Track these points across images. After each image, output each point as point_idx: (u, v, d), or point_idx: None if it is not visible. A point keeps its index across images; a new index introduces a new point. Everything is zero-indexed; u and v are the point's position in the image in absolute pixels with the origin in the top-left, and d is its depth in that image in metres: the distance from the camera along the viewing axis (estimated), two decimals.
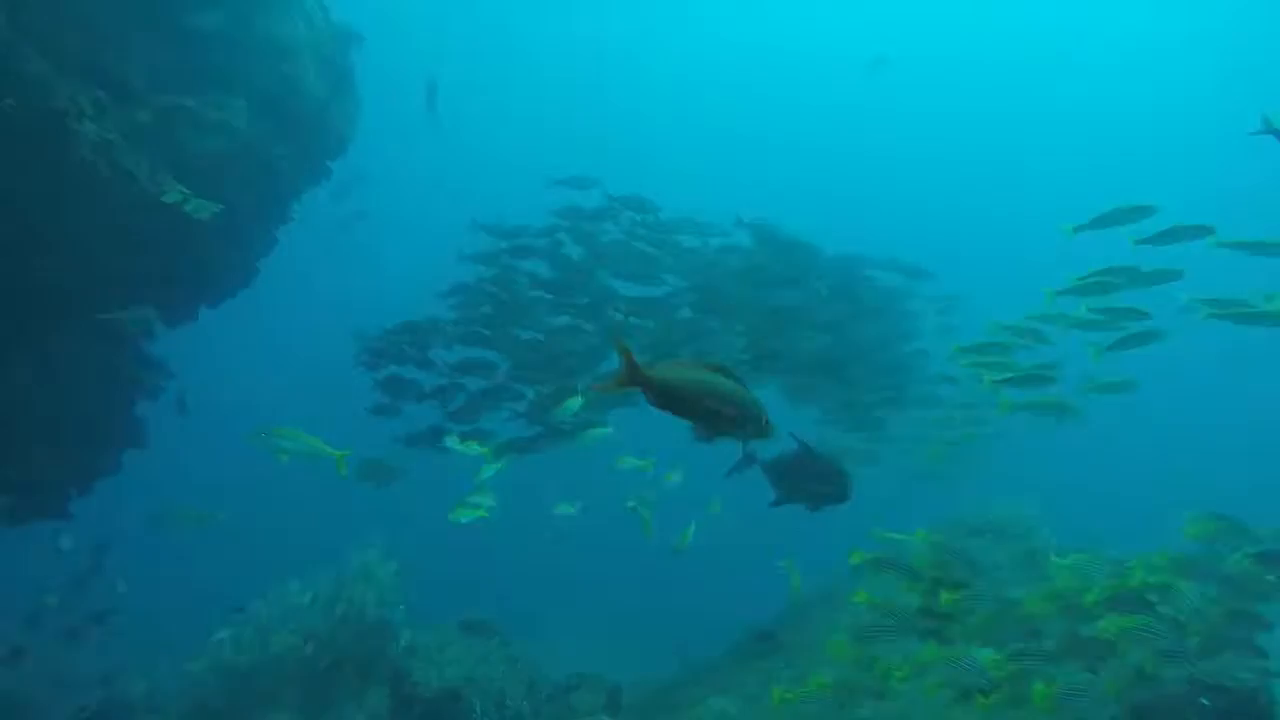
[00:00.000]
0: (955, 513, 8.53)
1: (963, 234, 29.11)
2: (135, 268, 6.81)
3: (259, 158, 7.26)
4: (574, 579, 14.21)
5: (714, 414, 1.97)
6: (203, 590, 9.93)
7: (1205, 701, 3.59)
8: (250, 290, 8.70)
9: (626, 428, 7.14)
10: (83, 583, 7.54)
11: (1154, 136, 31.40)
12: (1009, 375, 5.94)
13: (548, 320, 7.46)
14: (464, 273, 7.63)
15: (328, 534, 8.93)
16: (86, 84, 5.76)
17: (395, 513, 8.01)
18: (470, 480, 6.37)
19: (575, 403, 6.35)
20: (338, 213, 18.61)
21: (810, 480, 3.90)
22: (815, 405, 8.42)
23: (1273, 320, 5.19)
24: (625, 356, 1.95)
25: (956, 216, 31.34)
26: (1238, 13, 26.99)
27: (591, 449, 6.65)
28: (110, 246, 6.43)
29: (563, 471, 7.10)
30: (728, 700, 5.89)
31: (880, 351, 8.00)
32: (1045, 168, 32.74)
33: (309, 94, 7.74)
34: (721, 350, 7.25)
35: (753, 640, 6.56)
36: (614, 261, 7.27)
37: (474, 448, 6.56)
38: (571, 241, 7.36)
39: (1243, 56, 27.26)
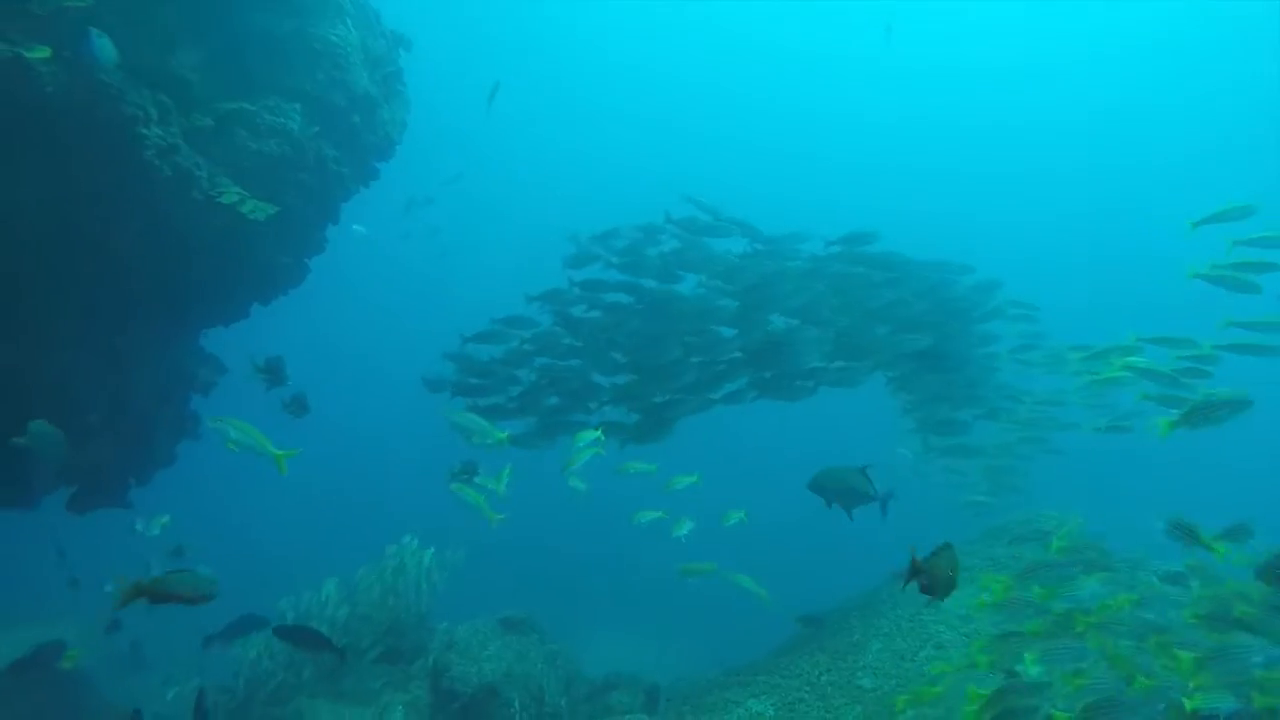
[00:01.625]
0: (999, 521, 8.40)
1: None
2: (193, 267, 7.05)
3: (310, 159, 7.44)
4: (617, 578, 14.29)
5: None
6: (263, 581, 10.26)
7: None
8: (300, 289, 8.92)
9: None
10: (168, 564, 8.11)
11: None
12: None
13: (642, 329, 7.53)
14: (540, 275, 7.82)
15: (374, 531, 9.15)
16: (153, 89, 5.98)
17: (440, 510, 8.16)
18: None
19: (592, 434, 6.51)
20: (409, 228, 19.07)
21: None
22: (911, 396, 8.41)
23: None
24: (917, 563, 3.16)
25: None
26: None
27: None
28: (169, 246, 6.66)
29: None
30: (765, 704, 5.87)
31: (967, 352, 8.09)
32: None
33: (359, 97, 7.91)
34: (811, 352, 7.35)
35: (799, 624, 6.58)
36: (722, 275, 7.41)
37: (496, 435, 6.51)
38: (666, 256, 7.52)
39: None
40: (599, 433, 6.61)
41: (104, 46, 4.96)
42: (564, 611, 10.14)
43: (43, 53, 4.98)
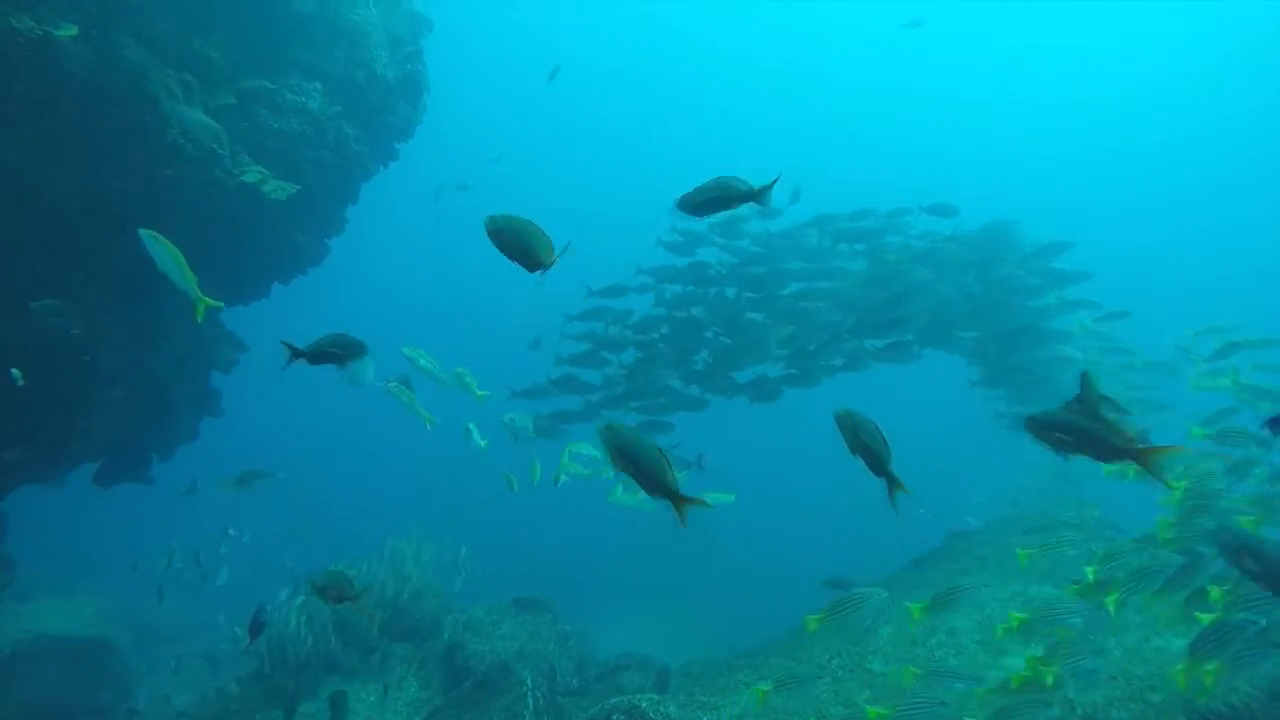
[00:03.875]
0: (1015, 510, 8.35)
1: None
2: (214, 244, 7.09)
3: (331, 138, 7.46)
4: (632, 561, 14.34)
5: None
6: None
7: None
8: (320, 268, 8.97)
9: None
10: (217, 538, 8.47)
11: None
12: None
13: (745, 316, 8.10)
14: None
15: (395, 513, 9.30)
16: (178, 69, 6.01)
17: (461, 493, 8.25)
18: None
19: (585, 447, 6.54)
20: (442, 214, 19.05)
21: None
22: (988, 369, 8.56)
23: None
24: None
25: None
26: None
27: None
28: (192, 223, 6.71)
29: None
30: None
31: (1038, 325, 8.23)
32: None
33: (379, 78, 7.92)
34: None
35: (823, 587, 6.64)
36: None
37: (477, 393, 6.49)
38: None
39: None
40: (592, 450, 6.67)
41: (159, 250, 3.76)
42: (579, 596, 10.20)
43: (70, 30, 5.02)
